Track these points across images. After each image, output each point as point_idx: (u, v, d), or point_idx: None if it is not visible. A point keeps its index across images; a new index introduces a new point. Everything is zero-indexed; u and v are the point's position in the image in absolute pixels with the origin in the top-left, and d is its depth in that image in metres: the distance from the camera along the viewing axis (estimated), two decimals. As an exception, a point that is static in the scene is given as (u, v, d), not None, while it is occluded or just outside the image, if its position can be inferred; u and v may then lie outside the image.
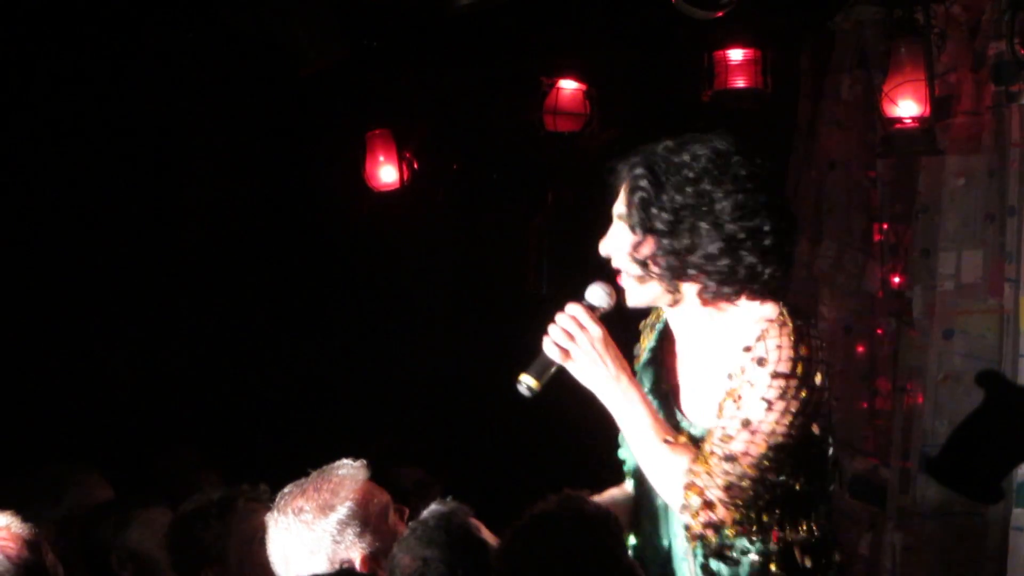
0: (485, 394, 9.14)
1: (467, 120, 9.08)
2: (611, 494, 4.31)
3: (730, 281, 3.92)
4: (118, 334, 8.41)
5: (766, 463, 3.84)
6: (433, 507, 3.99)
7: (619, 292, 4.06)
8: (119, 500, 5.36)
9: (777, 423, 3.83)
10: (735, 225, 3.87)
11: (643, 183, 3.95)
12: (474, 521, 4.00)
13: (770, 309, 3.95)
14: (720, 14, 6.35)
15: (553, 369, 4.03)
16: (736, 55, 7.72)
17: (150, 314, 8.56)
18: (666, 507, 4.09)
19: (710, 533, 3.89)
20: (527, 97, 8.53)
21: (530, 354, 4.05)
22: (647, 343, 4.29)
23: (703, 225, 3.88)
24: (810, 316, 4.06)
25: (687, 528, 3.93)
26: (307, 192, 9.18)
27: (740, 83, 7.74)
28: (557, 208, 9.22)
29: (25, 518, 4.02)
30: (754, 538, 3.93)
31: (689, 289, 3.98)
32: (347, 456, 4.29)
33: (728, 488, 3.83)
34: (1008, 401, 6.65)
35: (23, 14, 7.26)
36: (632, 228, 3.95)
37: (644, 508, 4.22)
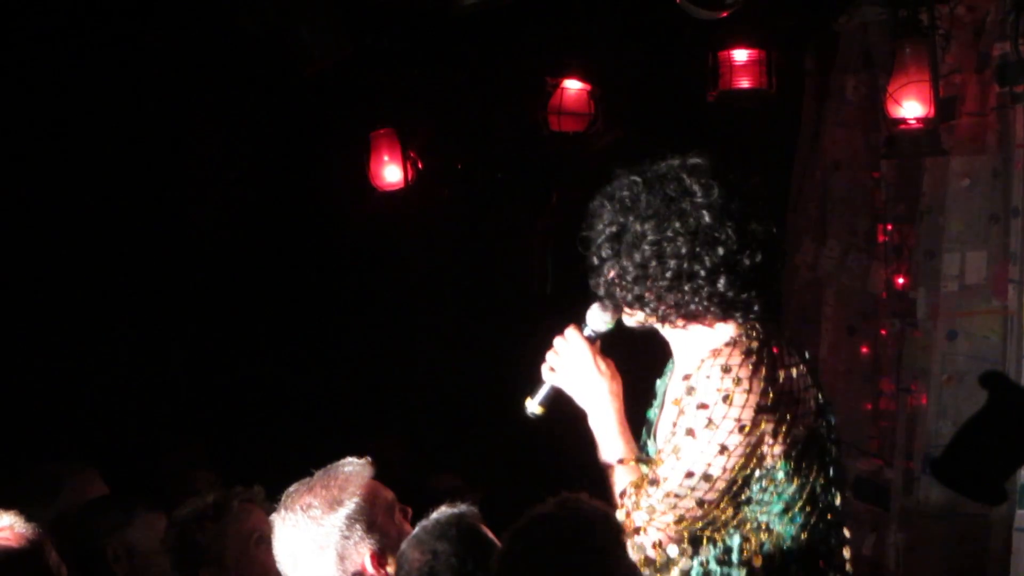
0: (489, 395, 9.18)
1: (471, 120, 9.09)
2: None
3: (681, 306, 3.91)
4: (120, 334, 8.42)
5: (689, 489, 3.79)
6: (444, 508, 4.00)
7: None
8: (122, 497, 5.36)
9: (702, 452, 3.78)
10: (681, 254, 3.85)
11: (598, 214, 4.01)
12: (483, 525, 4.01)
13: (726, 332, 3.90)
14: (725, 14, 6.35)
15: (549, 389, 4.15)
16: (741, 55, 7.72)
17: (153, 314, 8.57)
18: None
19: (636, 552, 3.88)
20: (531, 97, 8.53)
21: (534, 371, 4.17)
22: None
23: (644, 250, 3.89)
24: (782, 338, 3.94)
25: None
26: (311, 191, 9.19)
27: (745, 83, 7.74)
28: (561, 208, 9.22)
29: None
30: (691, 556, 3.90)
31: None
32: (349, 456, 4.30)
33: (650, 509, 3.83)
34: (1012, 402, 6.65)
35: (30, 14, 7.27)
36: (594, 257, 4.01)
37: None
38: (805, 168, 7.97)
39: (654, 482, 3.84)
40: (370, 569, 4.06)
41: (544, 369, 4.14)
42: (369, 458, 4.22)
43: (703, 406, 3.77)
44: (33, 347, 7.86)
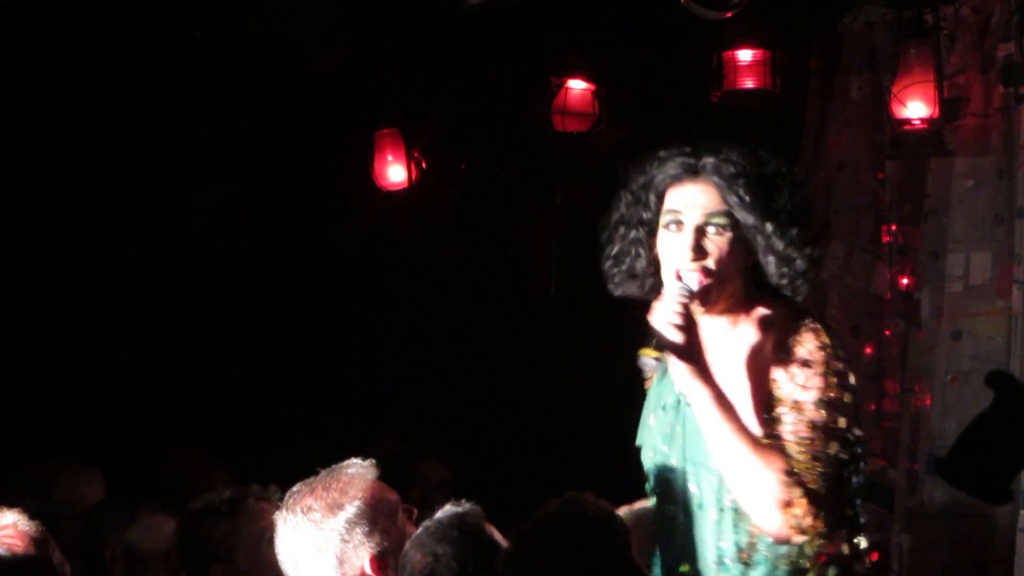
0: (492, 393, 9.19)
1: (476, 120, 9.09)
2: (639, 509, 4.30)
3: (798, 277, 4.06)
4: (126, 333, 8.42)
5: (839, 462, 3.93)
6: (448, 507, 4.00)
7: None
8: (127, 498, 5.35)
9: (836, 422, 3.93)
10: (794, 223, 4.03)
11: (743, 185, 4.02)
12: (488, 524, 4.00)
13: (793, 309, 4.05)
14: (729, 15, 6.35)
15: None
16: (745, 56, 7.71)
17: (158, 313, 8.57)
18: (687, 528, 4.10)
19: (804, 541, 3.93)
20: (536, 97, 8.53)
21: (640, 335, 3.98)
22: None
23: (785, 222, 4.02)
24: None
25: (751, 544, 3.99)
26: (315, 192, 9.20)
27: (749, 84, 7.73)
28: (565, 208, 9.23)
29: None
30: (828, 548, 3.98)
31: (736, 289, 4.06)
32: (352, 456, 4.29)
33: (823, 492, 3.89)
34: (1016, 403, 6.65)
35: (34, 14, 7.27)
36: (738, 228, 4.02)
37: (663, 530, 4.21)
38: (809, 169, 7.96)
39: (816, 459, 3.90)
40: (369, 573, 4.06)
41: (662, 326, 3.92)
42: (373, 460, 4.21)
43: (833, 374, 3.95)
44: (39, 347, 7.86)
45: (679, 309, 3.92)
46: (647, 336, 3.91)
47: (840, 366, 3.97)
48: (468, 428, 9.06)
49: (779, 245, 4.02)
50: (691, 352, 3.93)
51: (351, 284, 9.38)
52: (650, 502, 4.28)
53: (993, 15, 6.94)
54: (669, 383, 4.18)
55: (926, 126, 7.03)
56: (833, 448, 3.91)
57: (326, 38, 7.41)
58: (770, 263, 4.06)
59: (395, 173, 8.88)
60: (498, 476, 7.92)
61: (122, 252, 8.28)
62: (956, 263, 7.02)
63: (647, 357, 3.89)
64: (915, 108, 7.03)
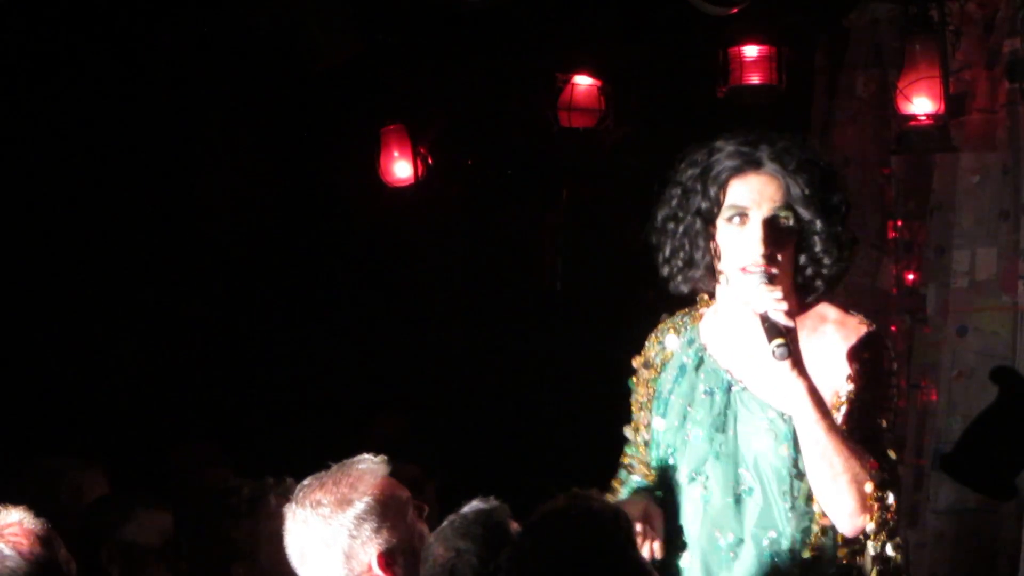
0: (498, 389, 9.20)
1: (482, 116, 9.10)
2: (639, 496, 4.30)
3: (819, 279, 4.12)
4: (132, 328, 8.43)
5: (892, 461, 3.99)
6: (474, 503, 3.99)
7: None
8: (123, 495, 5.32)
9: (891, 423, 4.02)
10: (842, 224, 4.14)
11: (807, 176, 4.02)
12: (512, 522, 3.99)
13: (843, 311, 4.13)
14: (735, 10, 6.36)
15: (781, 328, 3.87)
16: (751, 51, 7.72)
17: (163, 309, 8.58)
18: (724, 512, 4.12)
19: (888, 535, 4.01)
20: (542, 93, 8.54)
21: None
22: (671, 355, 4.32)
23: (843, 214, 4.12)
24: None
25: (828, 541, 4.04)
26: (321, 188, 9.21)
27: (755, 79, 7.74)
28: (571, 204, 9.23)
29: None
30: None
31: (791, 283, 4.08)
32: (348, 448, 4.29)
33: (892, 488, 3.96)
34: (1022, 398, 6.65)
35: (40, 11, 7.28)
36: (803, 216, 4.03)
37: (692, 512, 4.21)
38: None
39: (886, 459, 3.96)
40: (376, 569, 4.05)
41: (777, 318, 3.84)
42: (385, 457, 4.20)
43: (889, 373, 4.04)
44: (44, 342, 7.87)
45: (780, 295, 3.84)
46: (769, 329, 3.81)
47: (894, 366, 4.04)
48: (474, 420, 9.07)
49: (818, 244, 4.04)
50: (795, 341, 3.84)
51: (357, 280, 9.39)
52: (633, 484, 4.33)
53: (999, 11, 6.94)
54: (708, 371, 4.19)
55: (931, 122, 7.04)
56: (891, 448, 3.96)
57: (332, 34, 7.42)
58: (801, 258, 4.06)
59: (401, 169, 8.90)
60: (503, 469, 7.92)
61: (128, 246, 8.29)
62: (962, 259, 7.02)
63: (777, 346, 3.78)
64: (921, 104, 7.04)
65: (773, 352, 3.77)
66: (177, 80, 8.23)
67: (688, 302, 4.34)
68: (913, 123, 7.08)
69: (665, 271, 4.18)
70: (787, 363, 3.78)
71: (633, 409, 4.40)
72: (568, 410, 8.75)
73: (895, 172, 7.63)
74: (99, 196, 8.13)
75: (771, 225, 3.98)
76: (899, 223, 7.64)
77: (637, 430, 4.38)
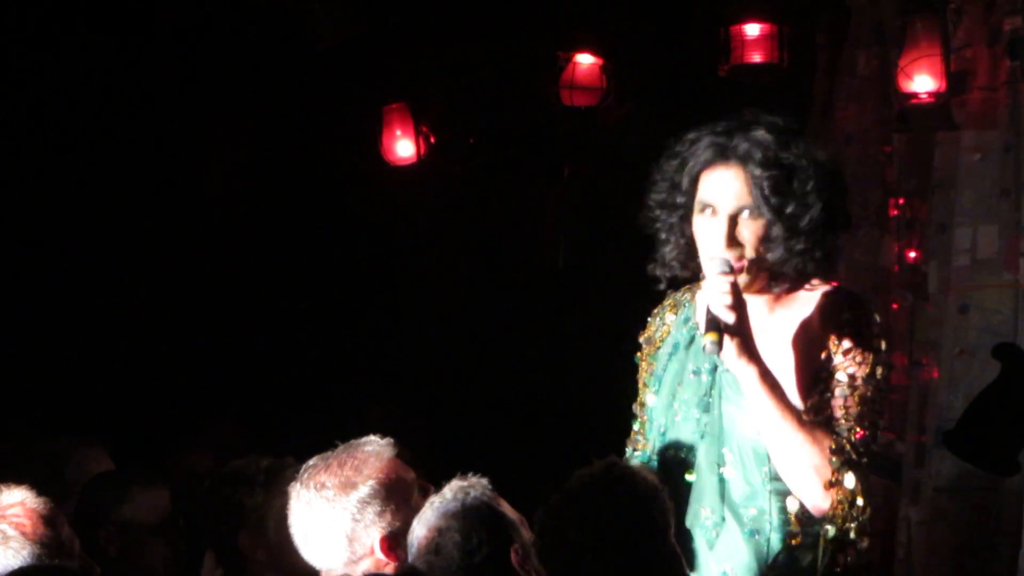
0: (501, 368, 9.21)
1: (484, 94, 9.09)
2: None
3: (823, 259, 4.12)
4: (137, 314, 8.45)
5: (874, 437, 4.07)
6: (454, 482, 3.99)
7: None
8: (118, 473, 5.31)
9: (874, 395, 4.08)
10: (820, 204, 4.07)
11: (771, 172, 4.05)
12: (494, 494, 3.99)
13: (836, 287, 4.15)
14: (736, -11, 6.36)
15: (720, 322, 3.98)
16: (753, 30, 7.72)
17: (167, 293, 8.60)
18: (706, 492, 4.15)
19: (846, 518, 4.02)
20: (544, 71, 8.53)
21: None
22: (668, 332, 4.35)
23: (813, 204, 4.06)
24: None
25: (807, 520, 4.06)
26: (324, 166, 9.21)
27: (756, 58, 7.74)
28: (573, 182, 9.23)
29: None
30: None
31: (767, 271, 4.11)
32: (352, 428, 4.30)
33: (867, 467, 4.03)
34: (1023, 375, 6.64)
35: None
36: (765, 214, 4.05)
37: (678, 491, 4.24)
38: (816, 142, 7.95)
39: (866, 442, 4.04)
40: (379, 553, 4.06)
41: (716, 308, 3.96)
42: (391, 439, 4.20)
43: (878, 351, 4.10)
44: (52, 325, 7.89)
45: (727, 288, 3.96)
46: (709, 322, 3.95)
47: (884, 343, 4.09)
48: (475, 400, 9.08)
49: (790, 234, 4.06)
50: (741, 329, 3.96)
51: (359, 259, 9.40)
52: (636, 460, 4.34)
53: (1000, -11, 6.93)
54: (698, 350, 4.21)
55: (933, 100, 7.03)
56: (877, 422, 4.02)
57: (334, 13, 7.41)
58: (776, 248, 4.09)
59: (403, 148, 8.90)
60: (504, 449, 7.95)
61: (132, 229, 8.30)
62: (963, 237, 7.01)
63: (710, 341, 3.93)
64: (922, 82, 7.03)
65: (704, 346, 3.95)
66: (179, 60, 8.23)
67: (694, 279, 4.38)
68: (914, 101, 7.07)
69: (660, 253, 4.28)
70: (731, 353, 3.93)
71: (639, 386, 4.44)
72: (571, 388, 8.76)
73: (896, 150, 7.62)
74: (102, 175, 8.14)
75: (735, 221, 4.07)
76: (900, 201, 7.64)
77: (643, 406, 4.42)
